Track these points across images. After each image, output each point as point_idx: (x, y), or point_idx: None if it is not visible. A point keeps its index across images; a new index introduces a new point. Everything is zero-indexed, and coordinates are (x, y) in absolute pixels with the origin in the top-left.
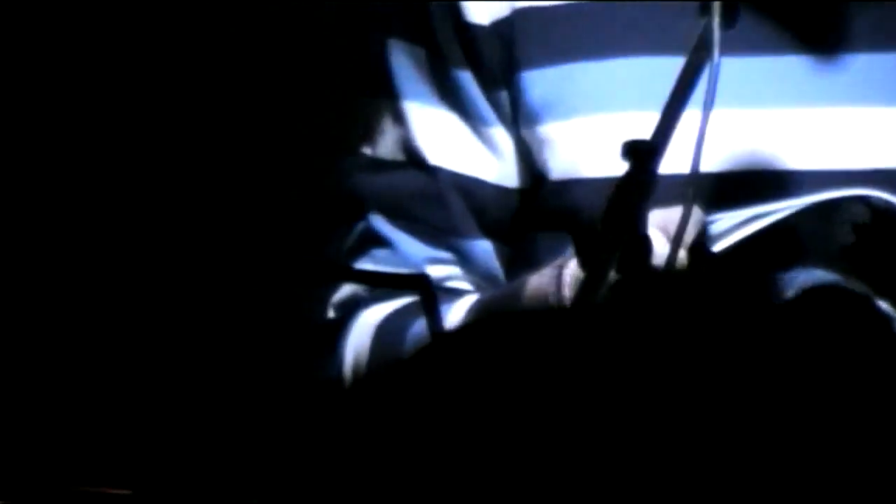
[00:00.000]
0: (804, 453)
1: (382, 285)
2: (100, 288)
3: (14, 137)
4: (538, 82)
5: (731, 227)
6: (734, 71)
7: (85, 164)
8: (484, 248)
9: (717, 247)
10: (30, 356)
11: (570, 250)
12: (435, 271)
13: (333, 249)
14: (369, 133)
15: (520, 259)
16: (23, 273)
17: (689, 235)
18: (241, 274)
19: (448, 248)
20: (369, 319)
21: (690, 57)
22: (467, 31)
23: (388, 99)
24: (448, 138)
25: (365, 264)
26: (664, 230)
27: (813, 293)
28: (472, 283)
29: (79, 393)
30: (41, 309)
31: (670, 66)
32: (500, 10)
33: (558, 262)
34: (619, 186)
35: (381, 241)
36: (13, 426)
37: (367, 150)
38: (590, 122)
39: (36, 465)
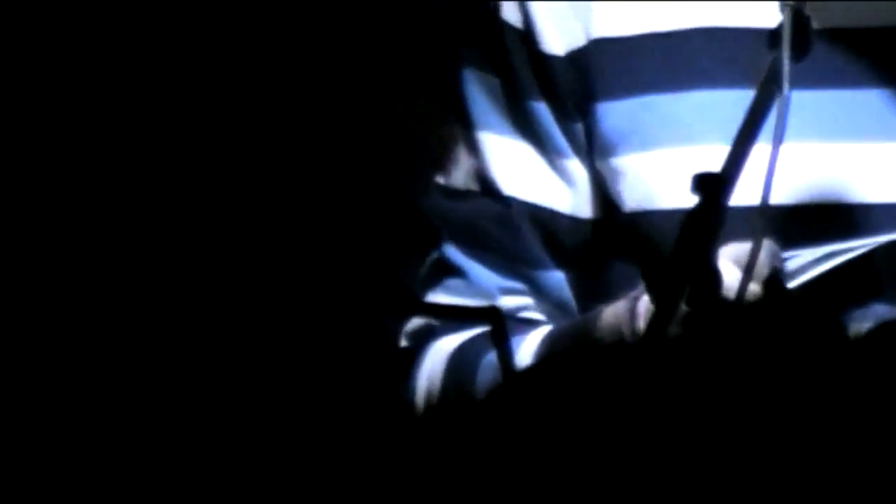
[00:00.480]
0: (882, 487)
1: (455, 317)
2: (176, 312)
3: (38, 139)
4: (613, 114)
5: (808, 263)
6: (805, 104)
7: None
8: (556, 279)
9: (793, 283)
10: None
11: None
12: (507, 301)
13: (407, 278)
14: (444, 162)
15: (592, 289)
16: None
17: (763, 268)
18: (318, 299)
19: (521, 278)
20: (442, 349)
21: (760, 89)
22: (543, 62)
23: (463, 128)
24: (522, 169)
25: (438, 294)
26: (737, 262)
27: (889, 328)
28: (545, 312)
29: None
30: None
31: (743, 99)
32: (576, 41)
33: (632, 293)
34: (688, 219)
35: (454, 271)
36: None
37: (441, 180)
38: (663, 155)
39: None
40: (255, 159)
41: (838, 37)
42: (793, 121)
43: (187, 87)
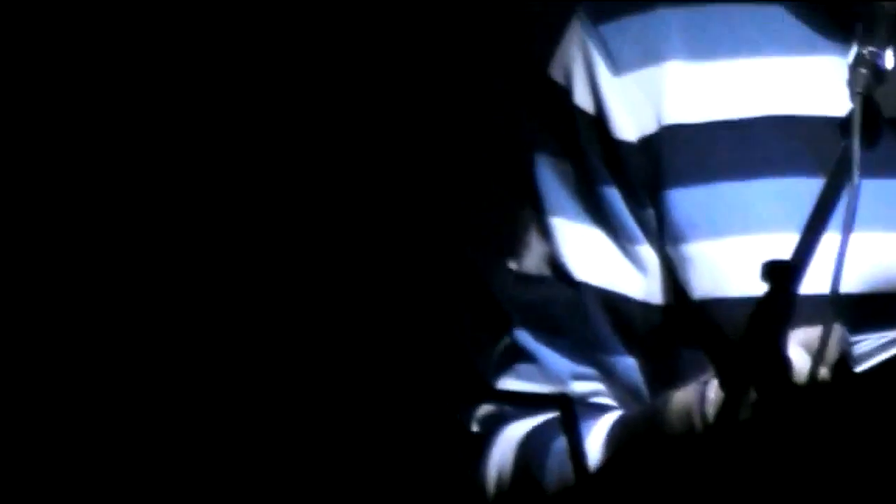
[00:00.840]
0: None
1: (525, 405)
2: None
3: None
4: (684, 201)
5: (876, 347)
6: (875, 192)
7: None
8: (628, 364)
9: (861, 366)
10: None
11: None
12: (578, 387)
13: (479, 363)
14: (516, 248)
15: (662, 374)
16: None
17: (832, 354)
18: (390, 381)
19: (592, 363)
20: (512, 435)
21: (831, 178)
22: (615, 148)
23: (535, 214)
24: (594, 254)
25: (509, 379)
26: (807, 347)
27: None
28: (615, 398)
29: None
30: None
31: (813, 187)
32: (648, 127)
33: (702, 378)
34: (758, 306)
35: (526, 356)
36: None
37: (513, 265)
38: (733, 242)
39: None
40: (325, 233)
41: None
42: (862, 209)
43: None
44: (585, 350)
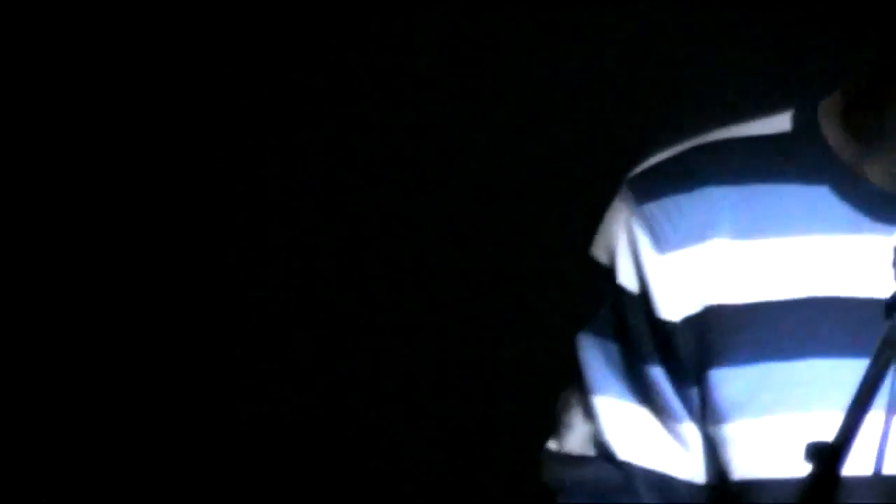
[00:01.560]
0: None
1: None
2: None
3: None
4: (728, 380)
5: None
6: None
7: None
8: None
9: None
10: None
11: None
12: None
13: None
14: (560, 427)
15: None
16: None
17: None
18: None
19: None
20: None
21: (875, 358)
22: (660, 327)
23: (579, 393)
24: (639, 433)
25: None
26: None
27: None
28: None
29: None
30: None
31: (857, 367)
32: (692, 307)
33: None
34: (802, 488)
35: None
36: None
37: (554, 446)
38: (775, 422)
39: None
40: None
41: None
42: None
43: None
44: None
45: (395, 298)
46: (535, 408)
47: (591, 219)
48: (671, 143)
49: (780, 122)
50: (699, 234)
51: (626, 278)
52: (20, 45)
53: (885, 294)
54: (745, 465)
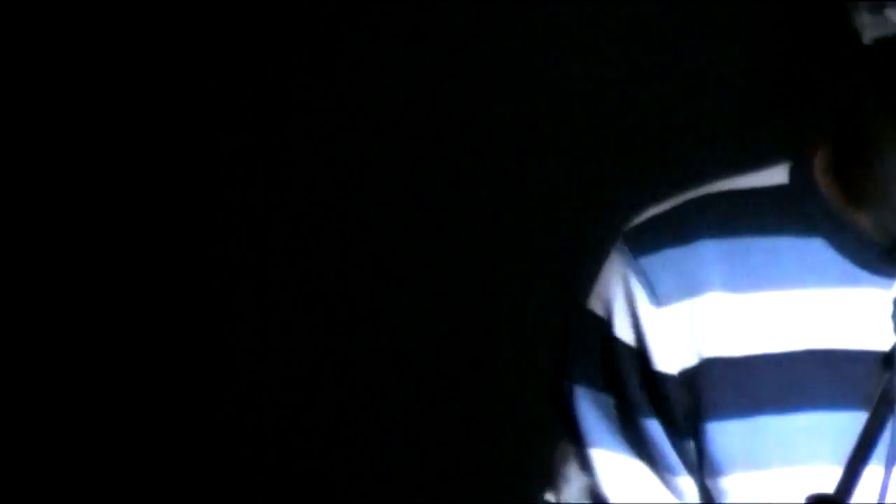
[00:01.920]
0: None
1: None
2: None
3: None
4: (724, 434)
5: None
6: None
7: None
8: None
9: None
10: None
11: None
12: None
13: None
14: (556, 479)
15: None
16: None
17: None
18: None
19: None
20: None
21: (873, 411)
22: (656, 380)
23: (575, 446)
24: (635, 486)
25: None
26: None
27: None
28: None
29: None
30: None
31: (855, 420)
32: (688, 360)
33: None
34: None
35: None
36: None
37: (552, 498)
38: (773, 475)
39: None
40: None
41: None
42: None
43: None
44: None
45: (395, 299)
46: (535, 409)
47: (591, 220)
48: (667, 196)
49: (776, 175)
50: (695, 288)
51: (623, 331)
52: (20, 45)
53: (881, 347)
54: None
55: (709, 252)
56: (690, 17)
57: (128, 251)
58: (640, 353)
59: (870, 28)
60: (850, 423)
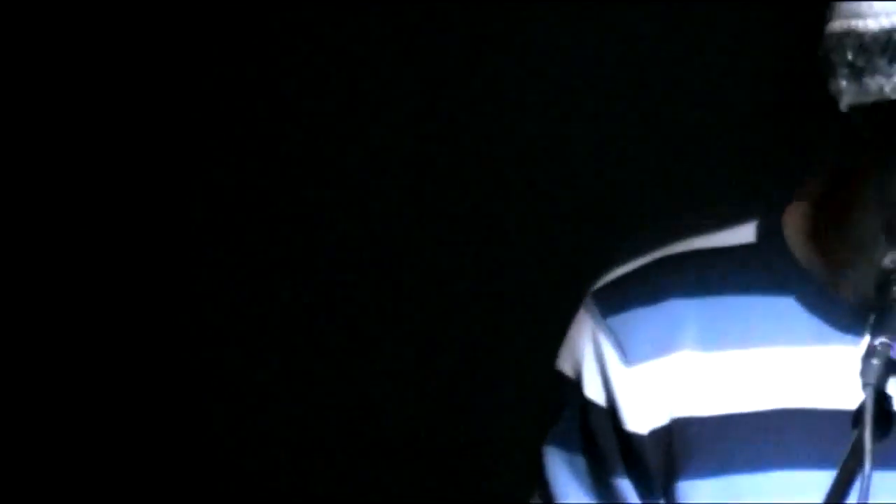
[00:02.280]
0: None
1: None
2: None
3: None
4: (697, 492)
5: None
6: (887, 484)
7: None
8: None
9: None
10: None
11: None
12: None
13: None
14: None
15: None
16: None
17: None
18: None
19: None
20: None
21: (843, 468)
22: (627, 440)
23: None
24: None
25: None
26: None
27: None
28: None
29: None
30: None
31: (825, 479)
32: (659, 420)
33: None
34: None
35: None
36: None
37: None
38: None
39: None
40: None
41: None
42: (874, 500)
43: None
44: None
45: (394, 299)
46: (533, 409)
47: (592, 220)
48: (634, 255)
49: (743, 234)
50: (665, 347)
51: (593, 391)
52: (20, 45)
53: (851, 405)
54: None
55: (679, 311)
56: (693, 24)
57: (128, 251)
58: (610, 414)
59: (847, 95)
60: (820, 481)
